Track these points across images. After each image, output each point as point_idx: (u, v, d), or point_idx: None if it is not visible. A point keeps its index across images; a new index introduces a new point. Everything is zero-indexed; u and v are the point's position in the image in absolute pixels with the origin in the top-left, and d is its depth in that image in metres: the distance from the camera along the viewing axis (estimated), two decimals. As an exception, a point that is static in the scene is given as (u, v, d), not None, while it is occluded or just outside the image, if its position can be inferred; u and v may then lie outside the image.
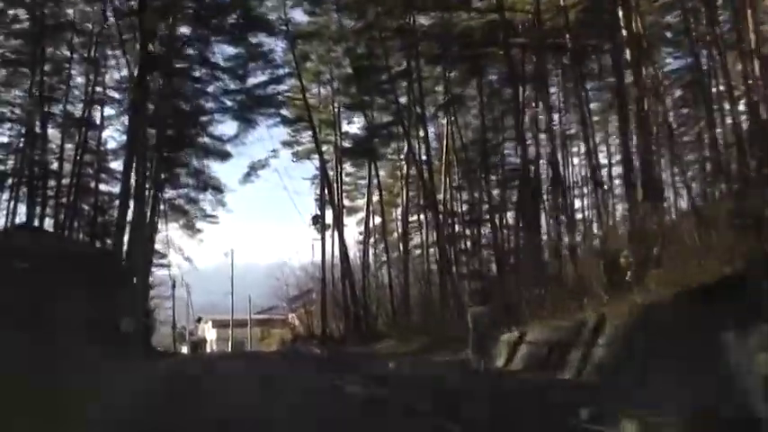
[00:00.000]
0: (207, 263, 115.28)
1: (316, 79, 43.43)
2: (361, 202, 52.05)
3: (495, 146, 36.92)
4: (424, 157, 37.47)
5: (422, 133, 37.57)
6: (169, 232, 44.79)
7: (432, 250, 46.49)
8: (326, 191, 42.31)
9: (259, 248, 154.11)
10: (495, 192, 37.60)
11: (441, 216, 37.00)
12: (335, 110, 44.50)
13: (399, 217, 51.12)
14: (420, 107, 36.94)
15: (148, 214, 33.23)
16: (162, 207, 42.48)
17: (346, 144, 44.82)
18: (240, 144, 40.15)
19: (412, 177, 41.38)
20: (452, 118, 38.10)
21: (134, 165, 30.68)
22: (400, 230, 45.70)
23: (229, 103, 37.08)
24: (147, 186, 30.87)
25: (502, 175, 37.03)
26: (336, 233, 43.42)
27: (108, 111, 38.78)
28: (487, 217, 37.14)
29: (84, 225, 40.84)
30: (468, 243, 39.65)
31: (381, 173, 45.08)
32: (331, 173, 45.35)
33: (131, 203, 30.06)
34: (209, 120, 35.42)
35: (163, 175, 35.74)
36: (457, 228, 39.73)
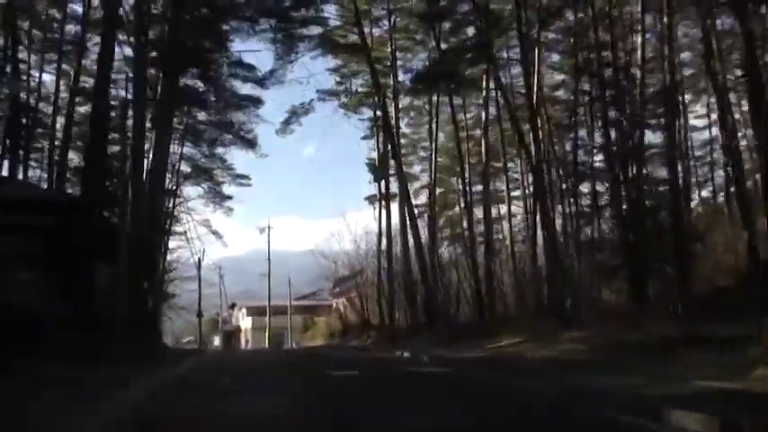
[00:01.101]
0: (239, 249, 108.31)
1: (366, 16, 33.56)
2: (417, 169, 42.76)
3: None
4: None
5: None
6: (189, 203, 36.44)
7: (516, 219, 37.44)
8: (388, 144, 32.89)
9: (292, 239, 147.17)
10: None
11: (543, 171, 27.32)
12: (393, 48, 34.91)
13: (461, 187, 41.92)
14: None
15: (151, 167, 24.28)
16: (177, 164, 33.91)
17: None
18: (277, 83, 31.03)
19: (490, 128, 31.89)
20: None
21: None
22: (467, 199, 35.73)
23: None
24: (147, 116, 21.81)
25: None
26: (396, 201, 34.37)
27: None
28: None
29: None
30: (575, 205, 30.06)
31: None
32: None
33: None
34: (233, 31, 25.88)
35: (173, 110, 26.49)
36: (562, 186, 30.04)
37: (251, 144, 33.25)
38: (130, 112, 20.39)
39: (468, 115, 38.66)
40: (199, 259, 42.54)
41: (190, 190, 40.13)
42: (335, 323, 43.20)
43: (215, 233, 41.55)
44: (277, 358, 21.76)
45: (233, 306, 70.34)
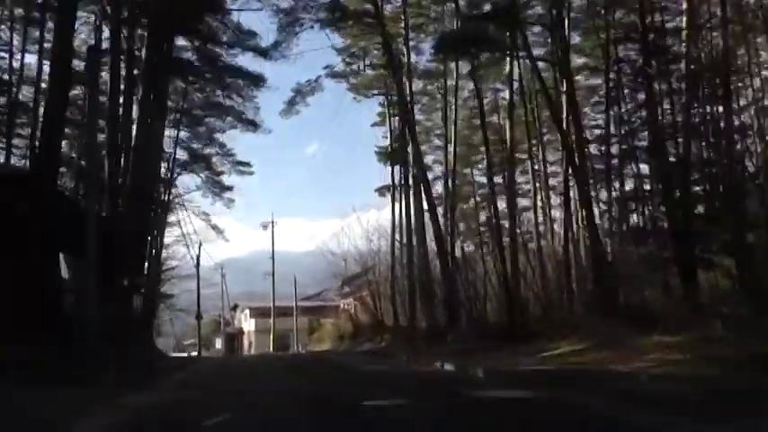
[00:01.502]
0: (242, 250, 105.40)
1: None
2: (429, 159, 39.55)
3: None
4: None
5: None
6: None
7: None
8: (406, 127, 29.67)
9: (295, 240, 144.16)
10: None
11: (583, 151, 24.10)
12: (405, 24, 31.72)
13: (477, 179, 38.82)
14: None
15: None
16: (173, 152, 30.80)
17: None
18: (281, 58, 27.84)
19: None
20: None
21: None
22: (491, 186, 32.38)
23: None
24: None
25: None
26: (410, 193, 31.25)
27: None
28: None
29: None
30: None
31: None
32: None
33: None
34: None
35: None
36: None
37: (253, 125, 30.08)
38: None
39: (485, 101, 35.67)
40: (197, 256, 39.44)
41: (187, 180, 37.14)
42: (345, 324, 40.00)
43: (214, 227, 38.54)
44: (285, 365, 18.56)
45: (235, 307, 67.16)
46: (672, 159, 22.17)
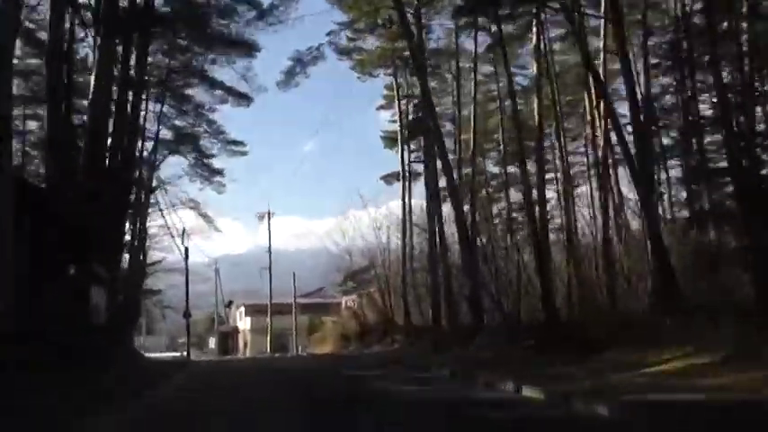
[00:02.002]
0: (239, 248, 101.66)
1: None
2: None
3: None
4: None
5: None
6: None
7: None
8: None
9: (292, 238, 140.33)
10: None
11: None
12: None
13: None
14: None
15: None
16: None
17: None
18: (276, 23, 24.01)
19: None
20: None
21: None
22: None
23: None
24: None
25: None
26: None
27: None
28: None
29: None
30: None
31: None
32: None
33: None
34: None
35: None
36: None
37: (244, 98, 26.22)
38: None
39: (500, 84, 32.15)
40: (186, 247, 35.53)
41: (173, 162, 33.29)
42: (349, 323, 36.16)
43: (204, 216, 34.63)
44: (285, 382, 14.67)
45: (230, 304, 63.30)
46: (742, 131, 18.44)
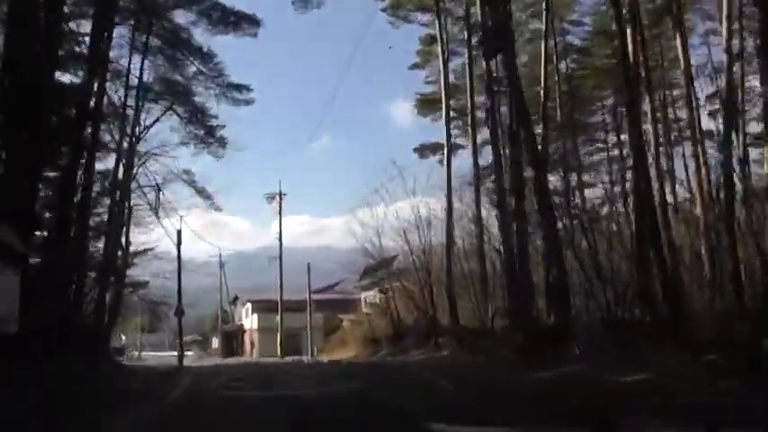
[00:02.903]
0: (248, 245, 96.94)
1: None
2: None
3: None
4: None
5: None
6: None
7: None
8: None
9: (300, 237, 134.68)
10: None
11: None
12: None
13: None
14: None
15: None
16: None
17: None
18: None
19: None
20: None
21: None
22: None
23: None
24: None
25: None
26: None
27: None
28: None
29: None
30: None
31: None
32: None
33: None
34: None
35: None
36: None
37: (249, 22, 19.82)
38: None
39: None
40: (178, 231, 29.16)
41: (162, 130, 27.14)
42: (378, 323, 29.69)
43: (201, 192, 28.35)
44: None
45: (235, 300, 57.05)
46: None
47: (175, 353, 74.56)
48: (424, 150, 35.04)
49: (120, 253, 28.29)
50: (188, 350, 77.64)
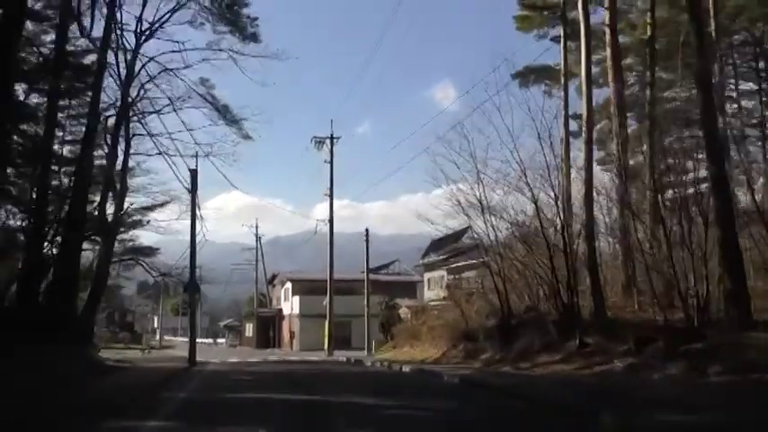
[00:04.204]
0: (289, 230, 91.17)
1: None
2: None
3: None
4: None
5: None
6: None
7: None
8: None
9: (340, 223, 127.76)
10: None
11: None
12: None
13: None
14: None
15: None
16: None
17: None
18: None
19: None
20: None
21: None
22: None
23: None
24: None
25: None
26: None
27: None
28: None
29: None
30: None
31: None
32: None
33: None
34: None
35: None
36: None
37: None
38: None
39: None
40: (193, 172, 20.50)
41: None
42: (470, 311, 20.51)
43: (224, 113, 19.89)
44: None
45: (273, 280, 48.72)
46: None
47: (208, 340, 67.18)
48: (528, 75, 25.73)
49: (111, 197, 20.02)
50: (219, 338, 70.26)
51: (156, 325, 73.71)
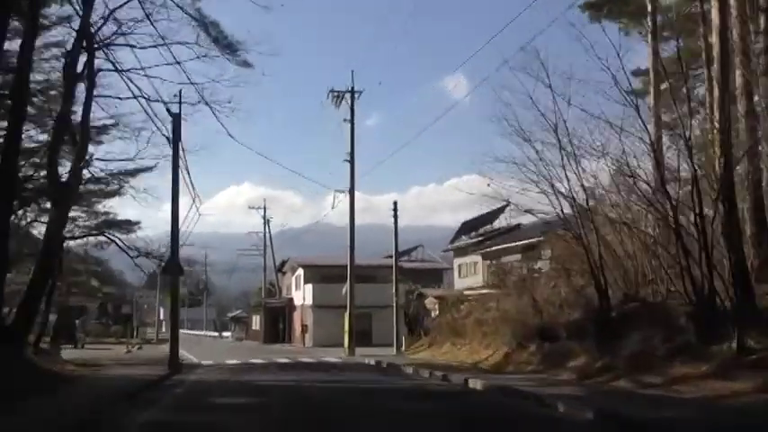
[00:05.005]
0: (298, 222, 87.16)
1: None
2: None
3: None
4: None
5: None
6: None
7: None
8: None
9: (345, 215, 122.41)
10: None
11: None
12: None
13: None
14: None
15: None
16: None
17: None
18: None
19: None
20: None
21: None
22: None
23: None
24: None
25: None
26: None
27: None
28: None
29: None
30: None
31: None
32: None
33: None
34: None
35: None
36: None
37: None
38: None
39: None
40: (174, 116, 15.64)
41: None
42: (552, 293, 15.49)
43: (213, 33, 14.91)
44: None
45: (283, 266, 43.89)
46: None
47: (214, 333, 62.35)
48: (600, 7, 20.53)
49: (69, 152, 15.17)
50: (226, 331, 65.65)
51: (161, 317, 69.27)
